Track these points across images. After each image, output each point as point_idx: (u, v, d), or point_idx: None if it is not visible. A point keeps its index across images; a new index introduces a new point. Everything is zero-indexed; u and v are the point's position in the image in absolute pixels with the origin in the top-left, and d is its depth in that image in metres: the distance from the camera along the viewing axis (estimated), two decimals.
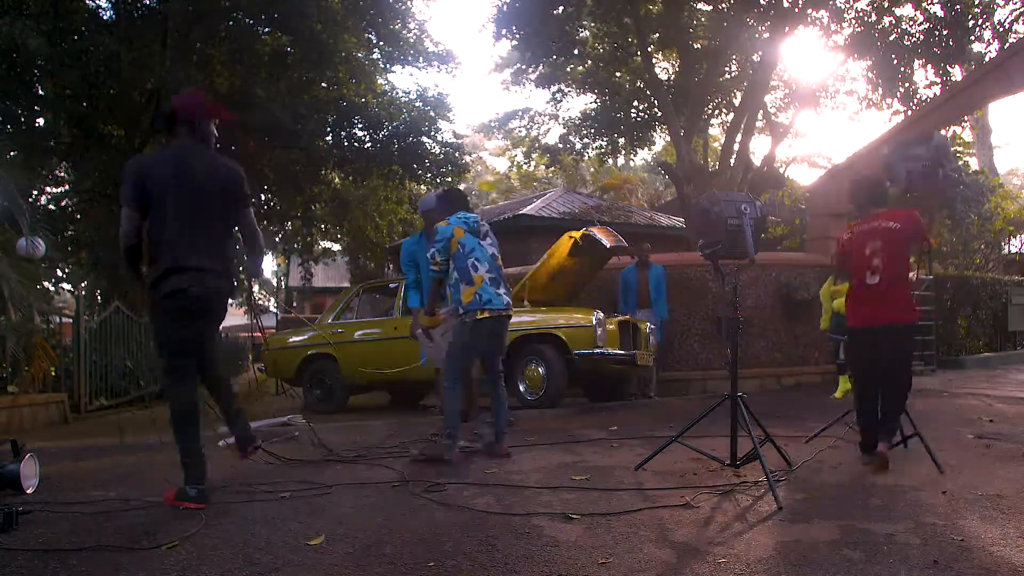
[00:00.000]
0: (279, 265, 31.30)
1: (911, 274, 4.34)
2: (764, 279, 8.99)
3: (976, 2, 12.35)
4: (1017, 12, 12.99)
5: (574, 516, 3.12)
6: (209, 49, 12.93)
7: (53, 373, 8.70)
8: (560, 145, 18.71)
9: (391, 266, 22.07)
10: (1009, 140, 79.19)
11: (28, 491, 3.52)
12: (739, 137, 14.04)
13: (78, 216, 14.68)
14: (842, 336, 7.57)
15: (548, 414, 6.72)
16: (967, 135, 16.67)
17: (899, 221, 4.13)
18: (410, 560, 2.58)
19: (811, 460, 4.18)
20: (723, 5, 14.22)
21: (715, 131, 19.22)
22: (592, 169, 29.56)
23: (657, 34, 14.85)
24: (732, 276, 4.10)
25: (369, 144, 14.35)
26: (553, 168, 24.30)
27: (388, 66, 15.85)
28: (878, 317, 4.15)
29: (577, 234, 7.79)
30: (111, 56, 10.14)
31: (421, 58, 15.14)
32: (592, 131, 17.72)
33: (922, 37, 12.66)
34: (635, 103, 17.06)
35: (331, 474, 4.04)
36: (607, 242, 7.67)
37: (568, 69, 16.73)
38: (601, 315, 7.31)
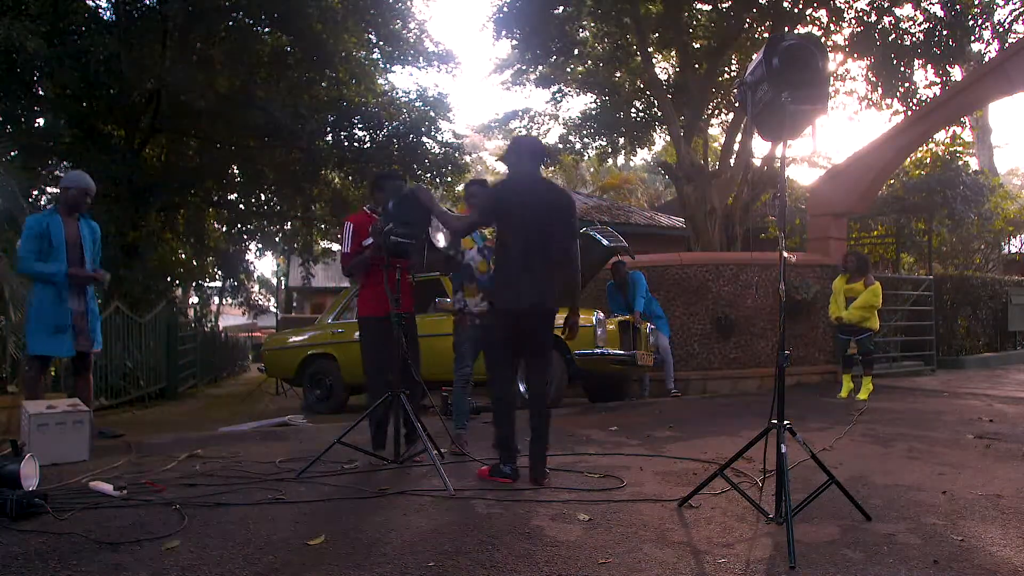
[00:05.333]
0: (279, 265, 31.28)
1: None
2: (764, 279, 8.98)
3: (976, 2, 12.33)
4: (1017, 12, 12.99)
5: (574, 516, 3.12)
6: (209, 49, 12.91)
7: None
8: (560, 145, 18.68)
9: None
10: (1009, 140, 79.27)
11: (28, 491, 3.52)
12: (739, 137, 14.01)
13: None
14: (848, 336, 7.59)
15: None
16: (967, 135, 16.61)
17: None
18: (410, 560, 2.58)
19: (809, 459, 4.18)
20: (723, 5, 14.20)
21: (715, 131, 19.16)
22: (592, 169, 29.55)
23: (657, 34, 14.82)
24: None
25: (369, 144, 14.33)
26: (553, 168, 24.28)
27: (388, 66, 15.83)
28: None
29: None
30: (111, 56, 10.12)
31: (421, 58, 15.13)
32: (592, 131, 17.68)
33: (922, 37, 12.63)
34: (635, 103, 17.03)
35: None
36: (607, 242, 7.68)
37: (568, 69, 16.70)
38: (601, 315, 7.32)
